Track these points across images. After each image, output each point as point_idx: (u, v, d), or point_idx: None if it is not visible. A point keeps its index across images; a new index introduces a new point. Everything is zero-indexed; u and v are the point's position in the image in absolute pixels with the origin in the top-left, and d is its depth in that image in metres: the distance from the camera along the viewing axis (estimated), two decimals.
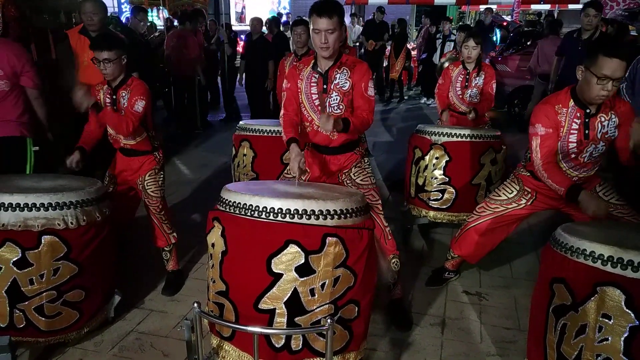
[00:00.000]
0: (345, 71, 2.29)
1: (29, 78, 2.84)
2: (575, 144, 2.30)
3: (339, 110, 2.31)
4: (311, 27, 2.22)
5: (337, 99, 2.30)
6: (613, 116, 2.27)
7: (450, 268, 2.94)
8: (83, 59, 3.57)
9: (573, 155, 2.32)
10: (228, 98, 7.77)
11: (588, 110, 2.26)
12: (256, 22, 6.45)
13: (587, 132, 2.27)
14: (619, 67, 2.09)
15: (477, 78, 3.74)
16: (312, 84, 2.33)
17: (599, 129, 2.27)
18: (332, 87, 2.30)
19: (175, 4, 7.27)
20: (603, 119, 2.27)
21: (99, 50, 2.49)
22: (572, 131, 2.29)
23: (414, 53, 10.69)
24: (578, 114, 2.27)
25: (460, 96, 3.82)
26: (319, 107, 2.33)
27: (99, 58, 2.49)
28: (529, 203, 2.57)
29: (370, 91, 2.28)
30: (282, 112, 2.38)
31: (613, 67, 2.08)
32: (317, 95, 2.33)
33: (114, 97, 2.61)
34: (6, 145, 2.76)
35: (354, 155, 2.44)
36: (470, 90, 3.77)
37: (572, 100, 2.28)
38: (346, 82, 2.29)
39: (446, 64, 4.47)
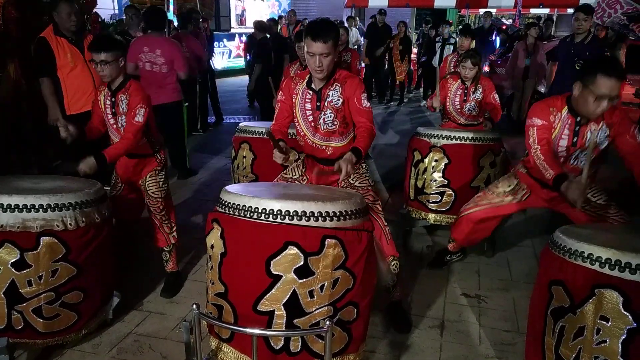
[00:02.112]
0: (337, 87, 2.33)
1: (179, 64, 4.47)
2: (564, 149, 2.42)
3: (333, 127, 2.37)
4: (305, 49, 2.23)
5: (330, 116, 2.35)
6: (604, 126, 2.35)
7: (451, 250, 3.14)
8: (67, 61, 3.52)
9: (562, 159, 2.44)
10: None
11: (579, 119, 2.35)
12: (257, 24, 6.57)
13: (575, 139, 2.38)
14: (616, 87, 2.16)
15: (475, 92, 3.80)
16: (306, 100, 2.38)
17: (588, 137, 2.36)
18: (325, 105, 2.34)
19: (181, 4, 7.29)
20: (593, 129, 2.35)
21: (97, 51, 2.50)
22: (562, 136, 2.40)
23: (413, 56, 10.73)
24: (569, 121, 2.38)
25: (459, 110, 3.88)
26: (312, 124, 2.39)
27: (96, 59, 2.51)
28: (524, 198, 2.74)
29: (365, 103, 2.30)
30: (273, 122, 2.46)
31: (611, 86, 2.15)
32: (310, 112, 2.38)
33: (113, 99, 2.63)
34: (173, 106, 4.56)
35: None
36: (468, 103, 3.83)
37: (566, 107, 2.38)
38: (339, 99, 2.33)
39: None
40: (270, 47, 6.37)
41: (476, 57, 3.73)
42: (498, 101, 3.83)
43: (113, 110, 2.63)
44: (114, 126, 2.67)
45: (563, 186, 2.17)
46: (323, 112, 2.35)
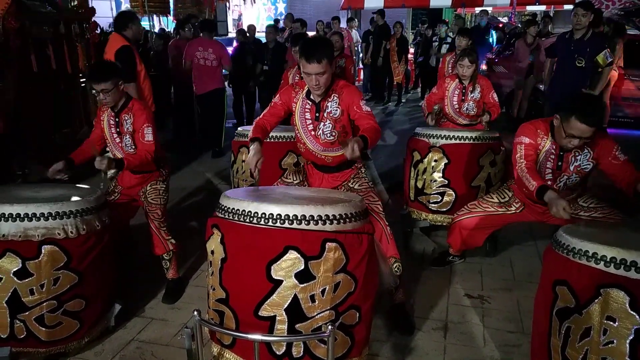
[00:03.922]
0: (335, 98, 2.35)
1: (225, 59, 5.74)
2: (550, 171, 2.51)
3: (331, 137, 2.39)
4: (301, 69, 2.25)
5: (329, 126, 2.37)
6: (587, 150, 2.42)
7: (453, 253, 3.14)
8: (142, 67, 3.95)
9: (549, 182, 2.49)
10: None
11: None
12: (239, 30, 6.91)
13: (560, 164, 2.46)
14: (588, 131, 2.23)
15: (474, 92, 3.78)
16: (305, 110, 2.40)
17: (572, 162, 2.46)
18: (324, 116, 2.36)
19: (180, 11, 7.30)
20: (577, 154, 2.43)
21: (97, 82, 2.54)
22: (549, 158, 2.50)
23: (410, 57, 10.73)
24: (554, 147, 2.47)
25: (458, 110, 3.85)
26: (312, 133, 2.41)
27: (97, 89, 2.55)
28: (518, 211, 2.79)
29: (365, 107, 2.31)
30: (260, 116, 2.46)
31: (582, 130, 2.23)
32: (310, 121, 2.40)
33: (117, 119, 2.67)
34: (218, 92, 5.79)
35: (352, 171, 2.52)
36: (466, 103, 3.81)
37: (550, 134, 2.46)
38: (337, 109, 2.35)
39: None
40: (244, 51, 6.79)
41: (473, 55, 3.71)
42: (497, 100, 3.81)
43: (117, 130, 2.69)
44: (119, 144, 2.72)
45: (546, 197, 2.24)
46: (322, 123, 2.37)
